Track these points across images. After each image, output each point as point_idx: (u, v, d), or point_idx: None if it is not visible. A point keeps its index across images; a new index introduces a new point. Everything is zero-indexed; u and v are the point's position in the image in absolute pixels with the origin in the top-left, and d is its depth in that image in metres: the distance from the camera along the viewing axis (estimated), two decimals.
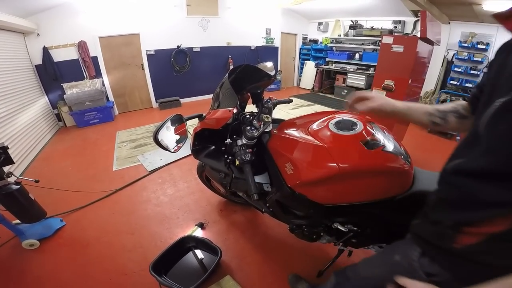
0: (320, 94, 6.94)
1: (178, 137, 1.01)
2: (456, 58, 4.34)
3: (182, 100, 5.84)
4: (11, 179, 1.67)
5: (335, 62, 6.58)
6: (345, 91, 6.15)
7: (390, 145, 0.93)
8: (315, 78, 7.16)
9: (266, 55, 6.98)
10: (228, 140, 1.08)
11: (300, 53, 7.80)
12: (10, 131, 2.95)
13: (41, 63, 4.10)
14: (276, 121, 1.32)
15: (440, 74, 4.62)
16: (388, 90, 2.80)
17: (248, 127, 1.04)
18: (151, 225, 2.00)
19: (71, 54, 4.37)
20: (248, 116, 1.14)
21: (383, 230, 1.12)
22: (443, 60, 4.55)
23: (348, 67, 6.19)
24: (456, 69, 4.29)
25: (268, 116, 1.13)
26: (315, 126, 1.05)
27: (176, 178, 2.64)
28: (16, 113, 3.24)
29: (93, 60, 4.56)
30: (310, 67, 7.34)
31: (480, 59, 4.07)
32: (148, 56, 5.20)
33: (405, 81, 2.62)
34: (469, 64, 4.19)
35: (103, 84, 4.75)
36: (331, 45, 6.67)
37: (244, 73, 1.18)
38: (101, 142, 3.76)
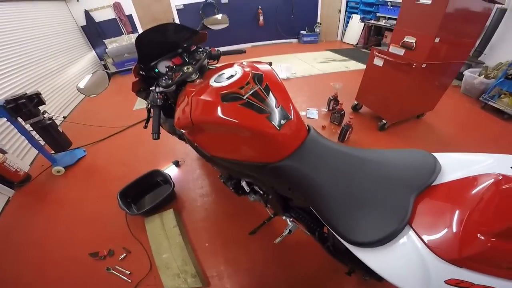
0: (364, 50, 6.09)
1: (95, 87, 1.24)
2: None
3: None
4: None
5: (389, 19, 5.50)
6: None
7: (258, 103, 0.82)
8: (361, 33, 6.23)
9: (302, 6, 6.30)
10: (153, 87, 1.17)
11: (346, 5, 6.72)
12: (62, 80, 3.69)
13: (85, 24, 4.79)
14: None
15: None
16: (408, 48, 2.35)
17: (162, 78, 1.12)
18: (141, 159, 2.36)
19: (109, 14, 4.93)
20: (167, 67, 1.18)
21: (280, 199, 1.09)
22: None
23: None
24: None
25: (188, 67, 1.14)
26: (210, 76, 1.01)
27: None
28: (67, 66, 3.98)
29: (128, 18, 5.05)
30: (356, 21, 6.34)
31: None
32: (178, 10, 5.37)
33: (429, 39, 2.13)
34: None
35: None
36: None
37: (162, 33, 1.12)
38: None
